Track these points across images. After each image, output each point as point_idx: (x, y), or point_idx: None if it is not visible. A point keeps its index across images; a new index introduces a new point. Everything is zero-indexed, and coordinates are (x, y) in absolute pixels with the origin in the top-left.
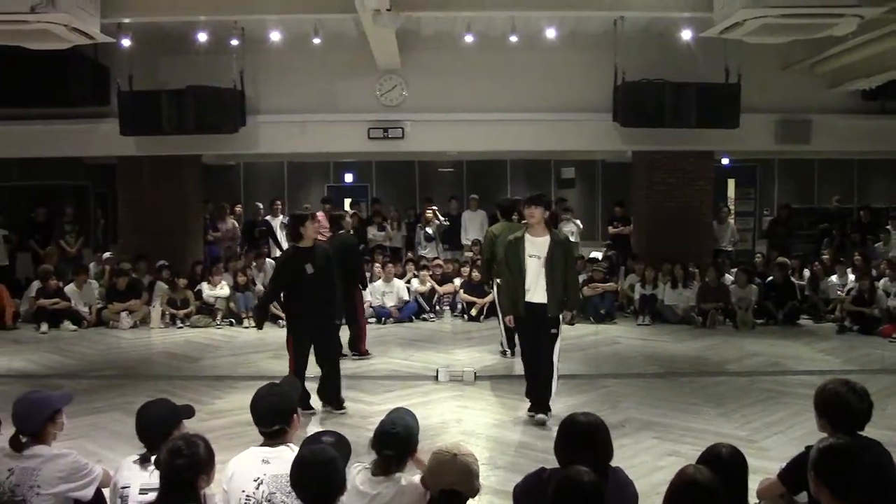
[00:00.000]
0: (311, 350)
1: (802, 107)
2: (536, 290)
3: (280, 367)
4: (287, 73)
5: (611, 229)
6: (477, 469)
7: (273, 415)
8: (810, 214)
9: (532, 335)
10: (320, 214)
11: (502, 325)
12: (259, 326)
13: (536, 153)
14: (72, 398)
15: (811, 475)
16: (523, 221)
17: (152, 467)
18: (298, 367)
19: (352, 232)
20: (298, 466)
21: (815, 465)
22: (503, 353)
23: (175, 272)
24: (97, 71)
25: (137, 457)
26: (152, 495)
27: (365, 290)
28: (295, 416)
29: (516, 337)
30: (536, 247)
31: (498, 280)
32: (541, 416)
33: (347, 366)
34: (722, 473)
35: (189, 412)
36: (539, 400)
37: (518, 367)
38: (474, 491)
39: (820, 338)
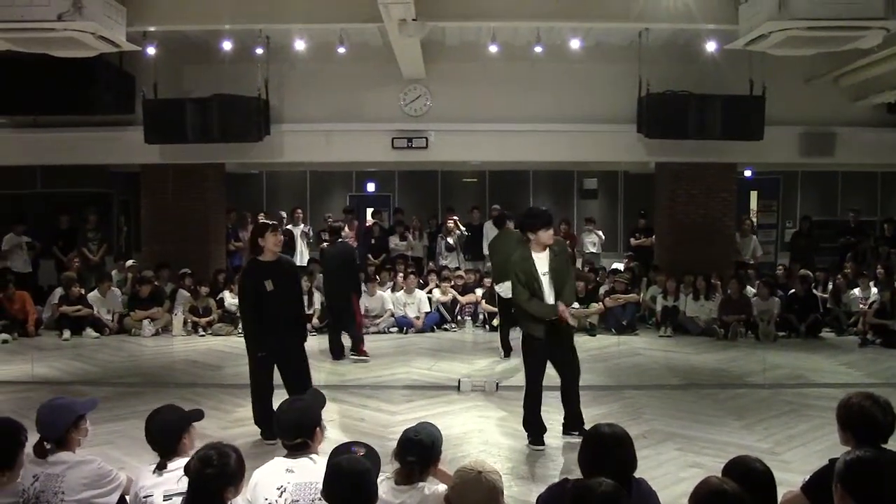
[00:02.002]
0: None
1: (827, 119)
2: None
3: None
4: (311, 83)
5: (633, 241)
6: (502, 486)
7: (295, 428)
8: (833, 227)
9: (549, 355)
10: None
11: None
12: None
13: (559, 164)
14: (97, 404)
15: (837, 488)
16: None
17: (170, 473)
18: (258, 390)
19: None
20: (333, 475)
21: (842, 477)
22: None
23: (197, 280)
24: (122, 79)
25: (154, 466)
26: (177, 500)
27: (359, 297)
28: (318, 429)
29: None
30: (543, 262)
31: (500, 286)
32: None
33: (367, 374)
34: (750, 487)
35: (198, 415)
36: (575, 418)
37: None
38: None
39: (842, 351)
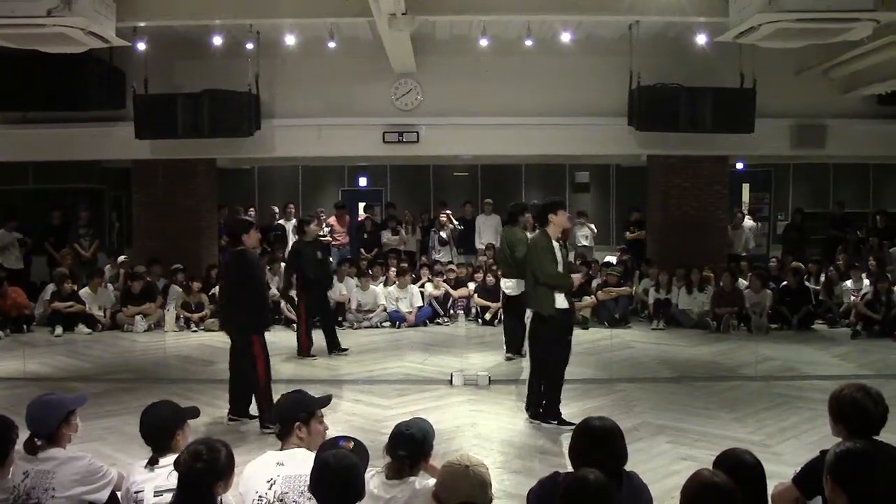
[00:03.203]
0: None
1: (817, 111)
2: (563, 295)
3: (294, 370)
4: (302, 77)
5: (628, 234)
6: (489, 479)
7: (289, 416)
8: (825, 219)
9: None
10: (332, 219)
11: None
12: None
13: (551, 157)
14: (86, 399)
15: (828, 479)
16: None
17: (161, 469)
18: (269, 374)
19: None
20: (320, 470)
21: (832, 469)
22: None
23: (190, 276)
24: (113, 74)
25: (146, 461)
26: (168, 496)
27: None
28: (313, 420)
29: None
30: (559, 252)
31: (507, 283)
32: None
33: (359, 369)
34: (741, 479)
35: (194, 413)
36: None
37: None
38: (489, 501)
39: (834, 343)
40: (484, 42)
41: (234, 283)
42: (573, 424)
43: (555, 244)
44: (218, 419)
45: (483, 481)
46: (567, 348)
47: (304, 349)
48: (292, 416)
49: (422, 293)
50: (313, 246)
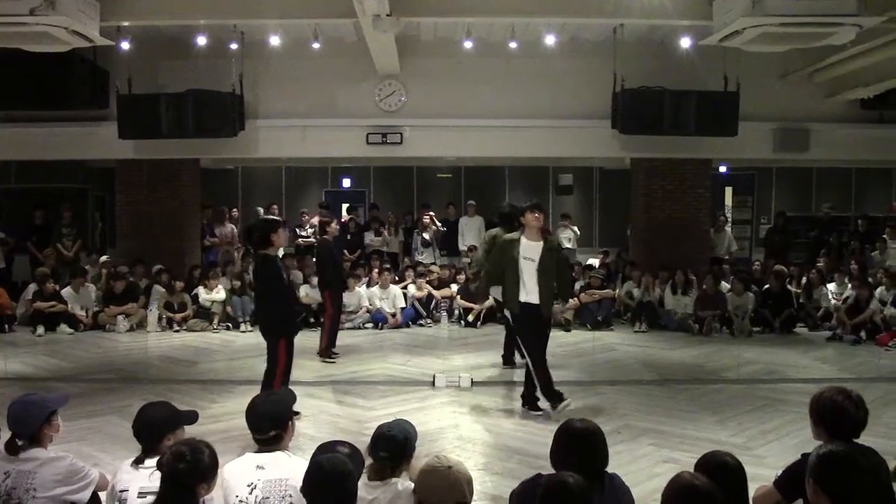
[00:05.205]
0: None
1: (801, 115)
2: (531, 292)
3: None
4: (286, 78)
5: None
6: (470, 476)
7: (270, 421)
8: (808, 223)
9: (536, 325)
10: (315, 219)
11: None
12: None
13: (535, 160)
14: (68, 399)
15: (809, 482)
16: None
17: (147, 469)
18: (289, 373)
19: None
20: (315, 474)
21: (814, 472)
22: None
23: (173, 276)
24: (96, 74)
25: (133, 459)
26: (151, 498)
27: (333, 295)
28: (290, 423)
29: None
30: (531, 250)
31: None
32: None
33: (342, 370)
34: (722, 482)
35: (192, 418)
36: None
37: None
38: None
39: (816, 346)
40: (468, 44)
41: (259, 288)
42: (539, 411)
43: (526, 243)
44: (200, 420)
45: (469, 479)
46: (532, 339)
47: (326, 350)
48: (282, 422)
49: (405, 294)
50: (333, 246)
